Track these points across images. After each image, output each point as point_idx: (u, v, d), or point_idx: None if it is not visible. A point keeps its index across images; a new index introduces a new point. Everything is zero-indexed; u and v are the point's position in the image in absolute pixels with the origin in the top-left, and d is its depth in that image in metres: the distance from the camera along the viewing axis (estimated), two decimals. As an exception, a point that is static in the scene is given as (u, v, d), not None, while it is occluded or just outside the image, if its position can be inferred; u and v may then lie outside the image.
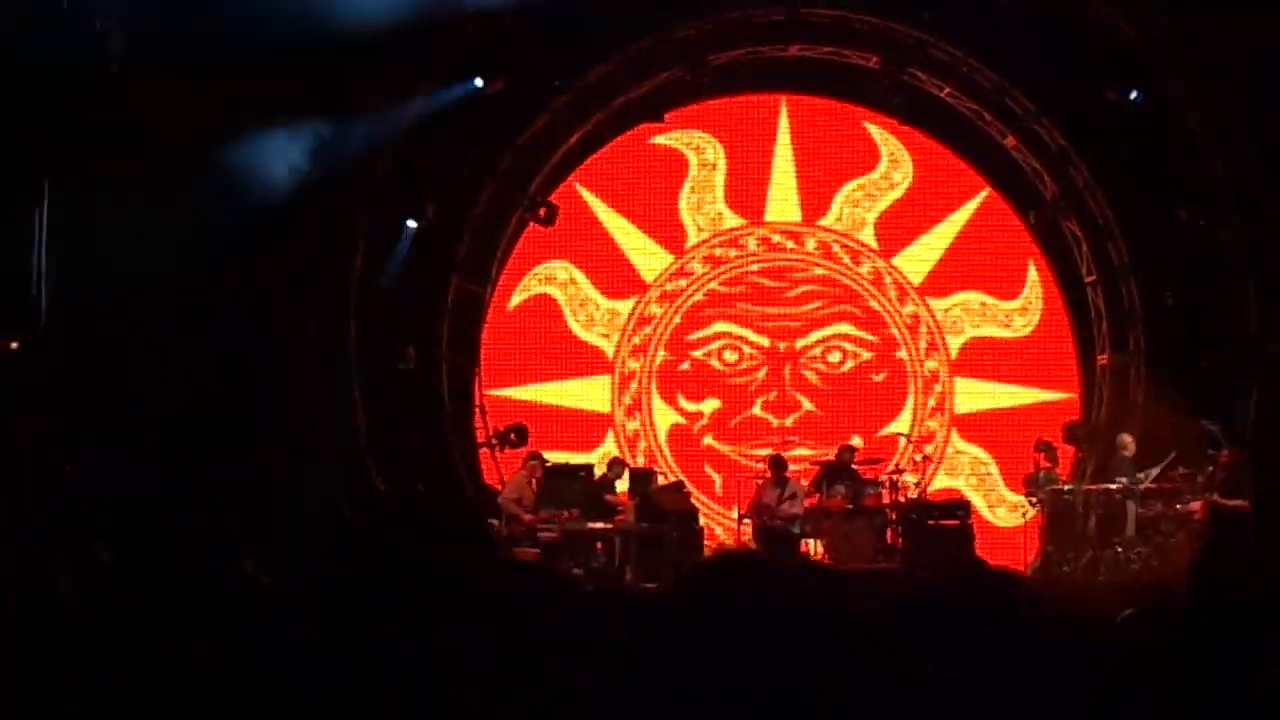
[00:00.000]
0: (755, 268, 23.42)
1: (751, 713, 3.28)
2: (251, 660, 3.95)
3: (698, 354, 23.23)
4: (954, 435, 23.38)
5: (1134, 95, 21.48)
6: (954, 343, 23.47)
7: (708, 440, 23.11)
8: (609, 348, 23.16)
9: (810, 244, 23.48)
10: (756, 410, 23.12)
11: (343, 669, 3.71)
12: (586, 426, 22.95)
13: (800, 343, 23.25)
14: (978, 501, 22.51)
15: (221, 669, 3.91)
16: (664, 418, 23.17)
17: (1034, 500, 20.84)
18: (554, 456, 21.33)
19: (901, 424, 23.06)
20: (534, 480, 20.14)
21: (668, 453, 23.03)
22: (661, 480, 21.47)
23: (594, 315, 23.15)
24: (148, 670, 4.08)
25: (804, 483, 20.72)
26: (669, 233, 23.31)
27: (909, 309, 23.47)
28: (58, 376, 17.41)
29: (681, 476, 22.28)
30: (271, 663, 3.92)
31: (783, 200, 23.48)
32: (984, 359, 23.44)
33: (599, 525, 20.15)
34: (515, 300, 22.94)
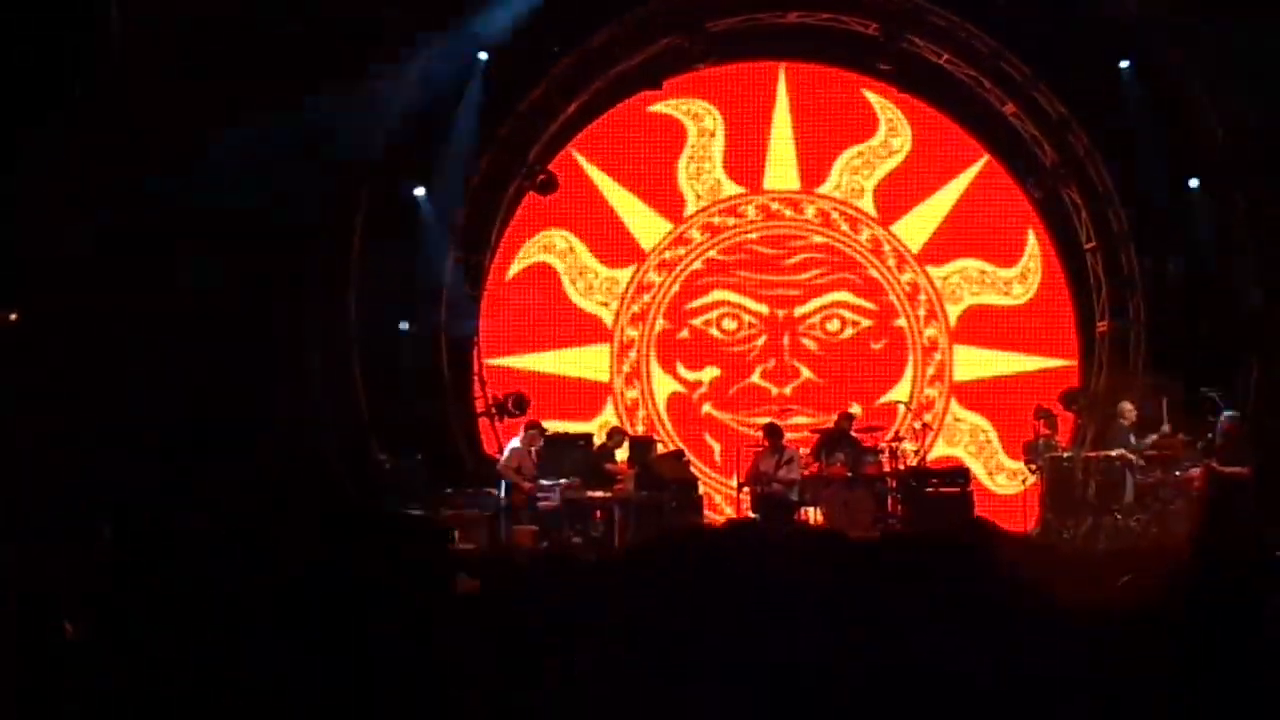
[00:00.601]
0: (754, 235, 23.39)
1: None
2: (251, 660, 3.94)
3: (697, 322, 23.21)
4: (953, 403, 23.38)
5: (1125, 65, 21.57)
6: (953, 310, 23.45)
7: (707, 409, 23.11)
8: (608, 316, 23.14)
9: (809, 212, 23.45)
10: (755, 378, 23.11)
11: (339, 649, 3.70)
12: (586, 395, 22.95)
13: (799, 311, 23.23)
14: (977, 469, 22.54)
15: (222, 669, 3.89)
16: (663, 386, 23.17)
17: (1033, 467, 20.86)
18: (553, 425, 21.31)
19: (901, 392, 23.06)
20: (533, 449, 20.14)
21: (667, 421, 23.04)
22: (661, 449, 21.46)
23: (593, 284, 23.13)
24: (147, 670, 4.06)
25: (803, 451, 20.74)
26: (667, 201, 23.28)
27: (908, 277, 23.45)
28: (55, 359, 17.41)
29: (681, 445, 22.29)
30: (271, 661, 3.91)
31: (781, 168, 23.45)
32: (983, 326, 23.43)
33: (598, 494, 20.14)
34: (514, 269, 22.92)
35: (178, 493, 16.02)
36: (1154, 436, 19.76)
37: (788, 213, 23.46)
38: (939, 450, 22.71)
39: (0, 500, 14.69)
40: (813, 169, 23.45)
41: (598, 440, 21.24)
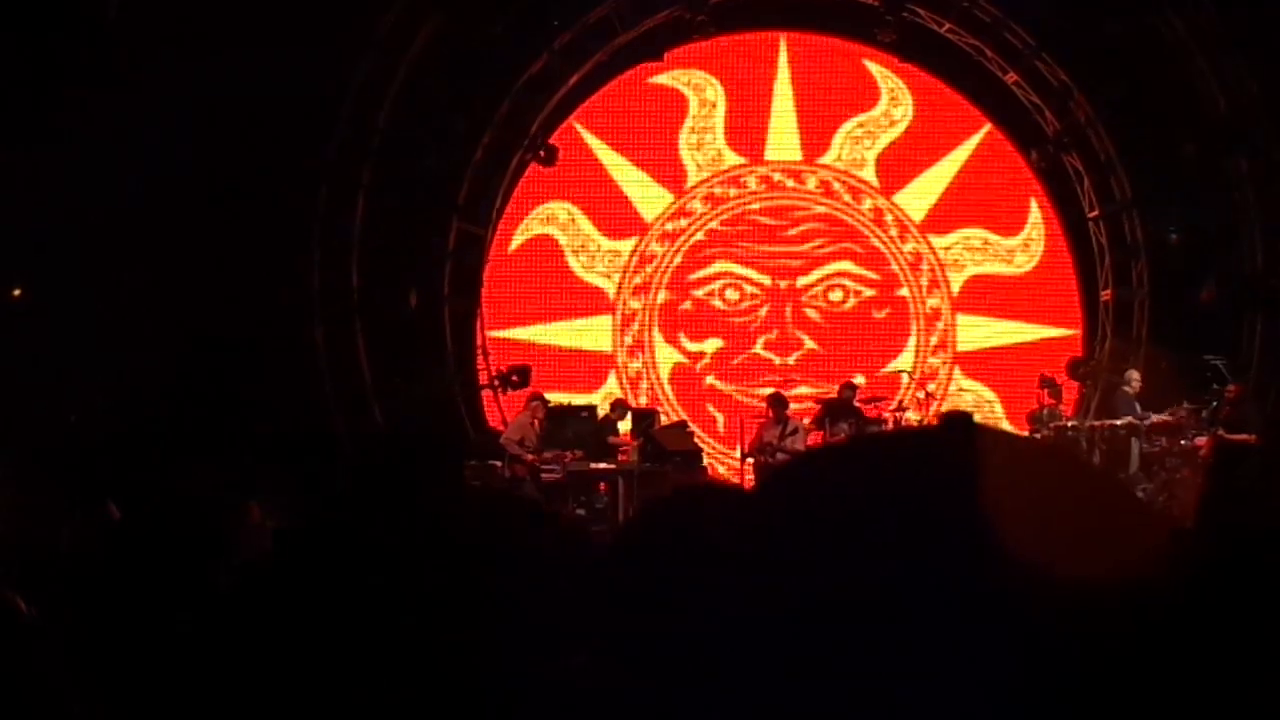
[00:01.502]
0: (756, 206, 23.37)
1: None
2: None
3: (699, 293, 23.19)
4: (957, 372, 23.38)
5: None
6: (956, 280, 23.44)
7: (710, 380, 23.10)
8: (610, 288, 23.11)
9: (811, 182, 23.42)
10: (758, 349, 23.09)
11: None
12: (589, 367, 22.93)
13: (802, 281, 23.21)
14: (981, 438, 22.45)
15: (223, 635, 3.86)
16: (666, 357, 23.15)
17: (1038, 437, 20.82)
18: (557, 397, 21.33)
19: (904, 362, 23.03)
20: (536, 421, 20.12)
21: (670, 392, 23.02)
22: (664, 420, 21.47)
23: (595, 256, 23.10)
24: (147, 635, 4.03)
25: (806, 421, 20.71)
26: (669, 172, 23.25)
27: (910, 246, 23.43)
28: (58, 336, 17.43)
29: (684, 416, 22.26)
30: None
31: (783, 138, 23.41)
32: (986, 296, 23.41)
33: (602, 465, 20.17)
34: (516, 241, 22.89)
35: (181, 445, 16.07)
36: (1165, 413, 19.76)
37: (789, 183, 23.43)
38: (943, 420, 22.66)
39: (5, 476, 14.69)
40: (814, 139, 23.41)
41: (601, 412, 21.24)
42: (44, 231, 17.63)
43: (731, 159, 23.39)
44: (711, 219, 23.29)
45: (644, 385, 23.05)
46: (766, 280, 23.20)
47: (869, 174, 23.43)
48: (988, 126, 23.35)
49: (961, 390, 23.30)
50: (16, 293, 18.59)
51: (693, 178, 23.31)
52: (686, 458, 20.32)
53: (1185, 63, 21.42)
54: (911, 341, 23.34)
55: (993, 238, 23.43)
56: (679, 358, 23.18)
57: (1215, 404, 19.03)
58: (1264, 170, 21.32)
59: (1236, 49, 21.08)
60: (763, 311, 23.16)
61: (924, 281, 23.42)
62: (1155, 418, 19.66)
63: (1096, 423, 20.47)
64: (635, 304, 23.16)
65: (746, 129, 23.40)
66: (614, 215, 23.14)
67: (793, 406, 20.81)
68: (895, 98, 23.49)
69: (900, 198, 23.40)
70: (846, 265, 23.32)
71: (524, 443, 19.77)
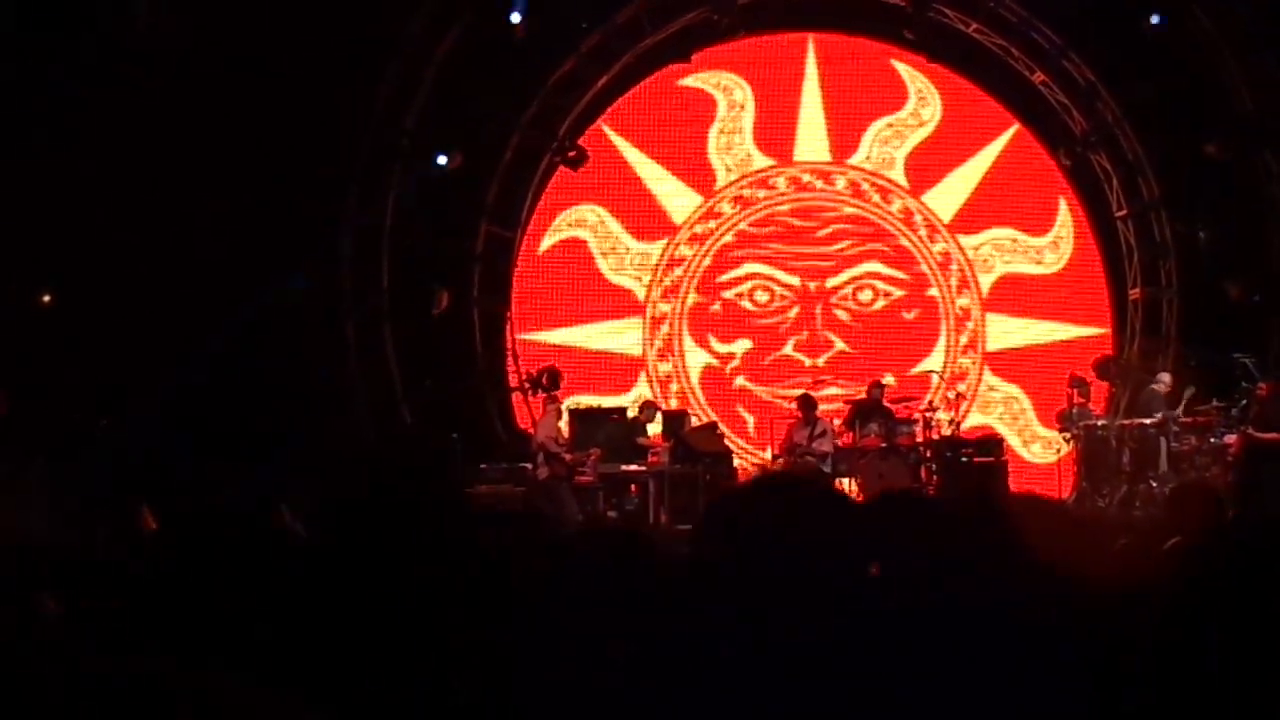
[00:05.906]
0: (785, 208, 23.37)
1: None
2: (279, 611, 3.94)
3: (729, 295, 23.19)
4: (987, 372, 23.35)
5: (1156, 20, 21.41)
6: (985, 280, 23.42)
7: (740, 381, 23.09)
8: (640, 290, 23.12)
9: (840, 183, 23.42)
10: (788, 350, 23.08)
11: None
12: (619, 369, 22.92)
13: (831, 282, 23.20)
14: (1011, 438, 22.51)
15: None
16: (696, 359, 23.14)
17: (1068, 436, 20.83)
18: (587, 400, 21.39)
19: (934, 362, 23.03)
20: (560, 422, 20.10)
21: (700, 394, 23.02)
22: (694, 422, 21.47)
23: (624, 258, 23.10)
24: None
25: (836, 422, 20.72)
26: (698, 174, 23.25)
27: (940, 246, 23.42)
28: (92, 339, 17.50)
29: (714, 418, 22.25)
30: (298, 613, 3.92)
31: (811, 140, 23.42)
32: (1016, 295, 23.40)
33: (633, 467, 20.18)
34: (545, 244, 22.90)
35: (212, 448, 16.12)
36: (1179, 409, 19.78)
37: (818, 184, 23.43)
38: (973, 419, 22.67)
39: (37, 479, 14.77)
40: (843, 140, 23.42)
41: (631, 414, 21.25)
42: (72, 236, 17.70)
43: (760, 160, 23.39)
44: (741, 220, 23.30)
45: (674, 387, 23.05)
46: (796, 281, 23.19)
47: (898, 174, 23.43)
48: (1016, 126, 23.36)
49: (991, 390, 23.30)
50: (46, 298, 18.66)
51: (721, 179, 23.32)
52: (717, 459, 20.33)
53: (1213, 60, 21.41)
54: (941, 341, 23.33)
55: (1021, 237, 23.42)
56: (709, 360, 23.18)
57: (1245, 402, 19.00)
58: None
59: (1264, 46, 21.06)
60: (792, 313, 23.15)
61: (953, 281, 23.41)
62: (1184, 417, 19.65)
63: (1126, 421, 20.47)
64: (665, 306, 23.17)
65: (775, 130, 23.40)
66: (643, 217, 23.14)
67: (823, 407, 20.82)
68: (923, 98, 23.49)
69: (929, 198, 23.40)
70: (876, 266, 23.31)
71: (558, 440, 19.76)
